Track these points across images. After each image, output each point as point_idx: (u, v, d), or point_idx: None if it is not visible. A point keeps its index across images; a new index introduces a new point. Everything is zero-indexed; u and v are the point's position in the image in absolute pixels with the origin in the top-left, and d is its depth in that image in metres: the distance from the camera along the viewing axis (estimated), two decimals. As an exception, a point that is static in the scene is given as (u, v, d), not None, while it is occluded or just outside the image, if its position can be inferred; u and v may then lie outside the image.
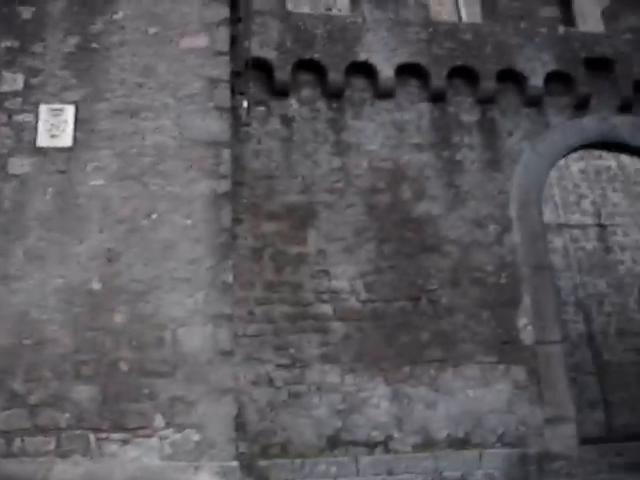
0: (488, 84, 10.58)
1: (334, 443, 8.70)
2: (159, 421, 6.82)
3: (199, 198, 7.50)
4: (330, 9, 18.30)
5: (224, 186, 7.63)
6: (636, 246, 17.19)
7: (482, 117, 10.61)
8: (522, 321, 9.70)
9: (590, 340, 16.26)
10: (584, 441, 10.46)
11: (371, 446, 8.80)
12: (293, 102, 10.07)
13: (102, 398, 6.79)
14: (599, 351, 16.25)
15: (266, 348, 8.86)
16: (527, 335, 9.64)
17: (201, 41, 8.27)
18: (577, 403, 14.15)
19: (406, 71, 10.43)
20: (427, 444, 8.92)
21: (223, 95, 8.08)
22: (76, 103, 7.73)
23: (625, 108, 11.17)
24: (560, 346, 9.98)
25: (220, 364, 7.08)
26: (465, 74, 10.63)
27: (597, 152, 15.38)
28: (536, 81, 10.74)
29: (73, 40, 8.01)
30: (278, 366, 8.84)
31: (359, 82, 10.33)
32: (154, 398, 6.86)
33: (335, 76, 10.10)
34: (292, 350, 8.91)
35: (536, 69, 10.79)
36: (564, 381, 9.82)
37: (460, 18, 18.42)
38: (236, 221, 8.86)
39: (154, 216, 7.40)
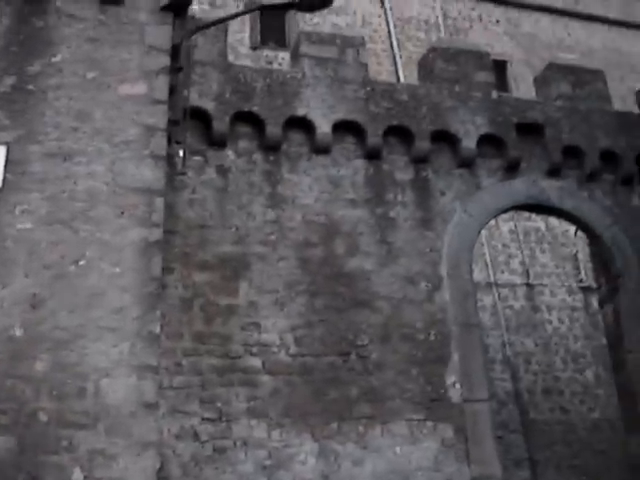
0: (423, 144, 10.81)
1: (259, 500, 8.53)
2: (77, 474, 6.55)
3: (129, 246, 7.37)
4: (271, 63, 18.60)
5: (156, 234, 7.53)
6: (562, 306, 17.62)
7: (416, 176, 10.82)
8: (450, 379, 9.76)
9: (517, 398, 16.46)
10: (509, 500, 10.52)
11: (297, 503, 8.66)
12: (230, 153, 10.08)
13: (19, 449, 6.51)
14: (525, 409, 16.46)
15: (192, 401, 8.68)
16: (455, 393, 9.69)
17: (139, 88, 8.23)
18: (503, 461, 14.29)
19: (343, 128, 10.58)
20: (353, 502, 8.83)
21: (159, 143, 8.01)
22: (8, 144, 7.55)
23: (554, 172, 11.54)
24: (487, 404, 10.07)
25: (143, 417, 6.88)
26: (401, 133, 10.84)
27: (526, 213, 15.77)
28: (469, 143, 11.02)
29: (9, 80, 7.86)
30: (204, 420, 8.66)
31: (296, 136, 10.43)
32: (73, 451, 6.61)
33: (273, 129, 10.17)
34: (219, 404, 8.75)
35: (469, 131, 11.08)
36: (491, 439, 9.88)
37: (398, 79, 18.98)
38: (167, 270, 8.75)
39: (82, 262, 7.22)
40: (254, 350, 9.09)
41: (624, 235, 11.57)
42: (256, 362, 9.04)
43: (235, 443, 8.65)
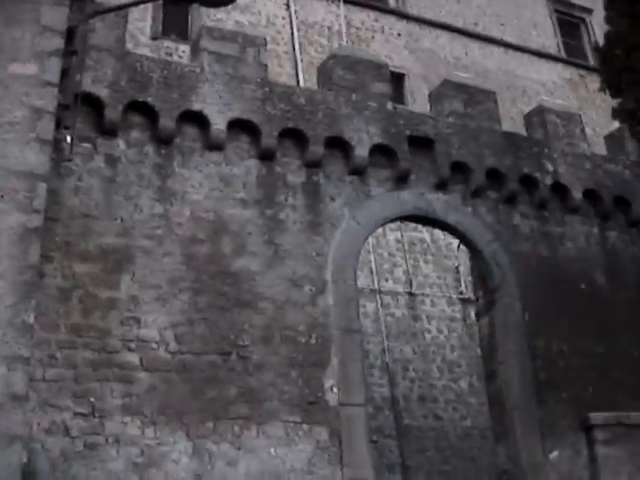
0: (316, 149, 10.89)
1: (128, 498, 8.35)
2: None
3: (6, 231, 7.10)
4: (171, 55, 18.32)
5: (35, 221, 7.29)
6: (442, 316, 18.14)
7: (307, 180, 10.88)
8: (329, 382, 9.86)
9: (393, 404, 16.82)
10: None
11: (167, 502, 8.53)
12: (120, 143, 9.84)
13: None
14: (401, 415, 16.83)
15: (65, 395, 8.40)
16: (332, 396, 9.80)
17: (30, 69, 7.96)
18: (377, 465, 14.58)
19: (238, 126, 10.52)
20: (225, 502, 8.78)
21: (46, 127, 7.77)
22: None
23: (441, 186, 11.87)
24: (363, 409, 10.23)
25: (11, 409, 6.65)
26: (295, 136, 10.88)
27: (413, 224, 16.13)
28: (361, 151, 11.18)
29: None
30: (76, 414, 8.39)
31: (190, 131, 10.30)
32: None
33: (167, 122, 10.01)
34: (92, 399, 8.50)
35: (363, 140, 11.25)
36: (364, 443, 10.04)
37: (298, 82, 19.08)
38: (46, 259, 8.45)
39: (-46, 246, 6.92)
40: (132, 345, 8.90)
41: (503, 251, 12.03)
42: (134, 358, 8.84)
43: (107, 439, 8.43)
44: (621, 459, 8.01)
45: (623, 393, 12.04)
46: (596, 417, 8.06)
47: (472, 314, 15.75)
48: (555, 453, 11.25)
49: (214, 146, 10.32)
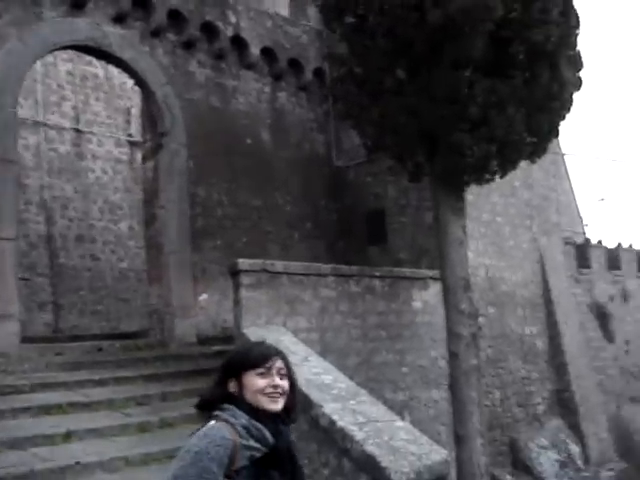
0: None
1: None
2: None
3: None
4: None
5: None
6: (108, 157, 17.64)
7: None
8: (-23, 214, 9.21)
9: (49, 242, 16.28)
10: (28, 340, 10.49)
11: None
12: None
13: None
14: (56, 254, 16.39)
15: None
16: None
17: None
18: (27, 303, 14.18)
19: None
20: None
21: None
22: None
23: (119, 19, 11.27)
24: (14, 243, 9.78)
25: None
26: None
27: (88, 57, 15.17)
28: (34, -35, 10.14)
29: None
30: None
31: None
32: None
33: None
34: None
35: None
36: (13, 279, 9.69)
37: None
38: None
39: None
40: None
41: (176, 96, 11.91)
42: None
43: None
44: (262, 302, 8.67)
45: (273, 244, 12.98)
46: (243, 263, 8.55)
47: (139, 157, 15.56)
48: (204, 296, 11.87)
49: None
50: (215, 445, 2.30)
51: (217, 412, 2.44)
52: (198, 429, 2.41)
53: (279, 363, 2.54)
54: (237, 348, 2.59)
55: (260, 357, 2.53)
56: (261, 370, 2.49)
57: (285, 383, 2.54)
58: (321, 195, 14.23)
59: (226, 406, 2.46)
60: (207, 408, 2.51)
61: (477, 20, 8.50)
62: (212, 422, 2.40)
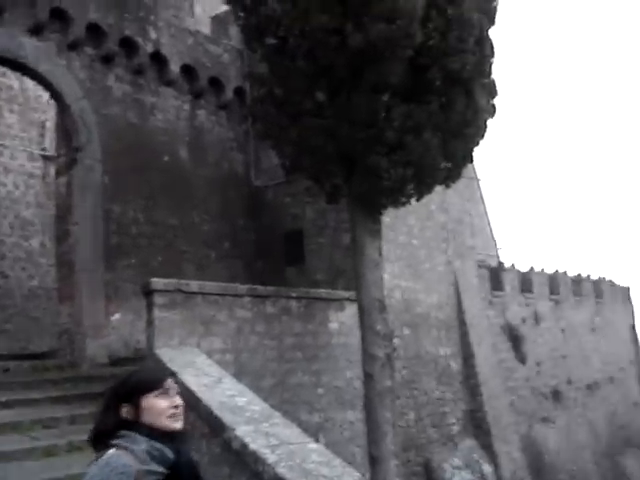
0: None
1: None
2: None
3: None
4: None
5: None
6: (21, 171, 17.11)
7: None
8: None
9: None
10: None
11: None
12: None
13: None
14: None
15: None
16: None
17: None
18: None
19: None
20: None
21: None
22: None
23: (36, 31, 11.02)
24: None
25: None
26: None
27: (2, 69, 14.72)
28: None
29: None
30: None
31: None
32: None
33: None
34: None
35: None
36: None
37: None
38: None
39: None
40: None
41: (92, 111, 11.69)
42: None
43: None
44: (176, 323, 8.53)
45: (189, 263, 12.82)
46: (157, 282, 8.40)
47: (52, 172, 15.15)
48: (117, 315, 11.61)
49: None
50: (117, 473, 2.28)
51: (116, 441, 2.39)
52: (97, 458, 2.36)
53: (173, 383, 2.56)
54: (128, 373, 2.57)
55: (156, 379, 2.54)
56: (160, 391, 2.49)
57: (182, 402, 2.55)
58: (239, 215, 14.16)
59: (123, 432, 2.41)
60: (102, 439, 2.45)
61: (397, 46, 8.64)
62: (112, 450, 2.35)
